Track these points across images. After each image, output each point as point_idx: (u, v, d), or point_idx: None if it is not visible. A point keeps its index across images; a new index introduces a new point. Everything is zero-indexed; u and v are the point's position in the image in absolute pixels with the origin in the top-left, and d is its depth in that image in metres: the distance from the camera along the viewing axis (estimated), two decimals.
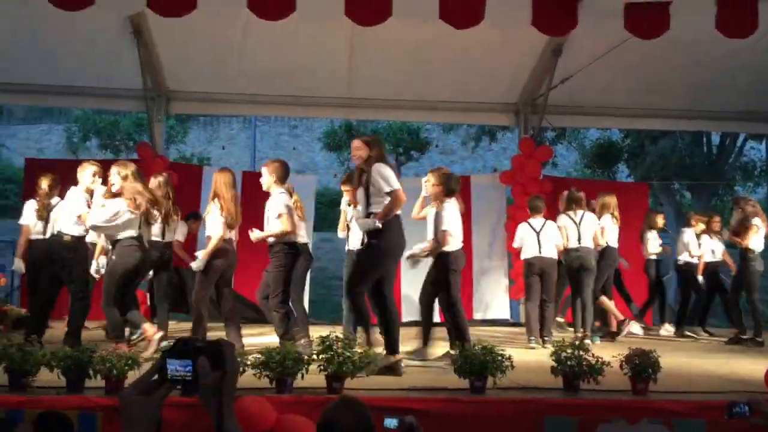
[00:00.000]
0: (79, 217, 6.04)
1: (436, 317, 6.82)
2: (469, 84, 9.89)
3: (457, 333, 6.02)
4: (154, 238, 6.72)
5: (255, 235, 6.26)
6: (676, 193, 18.20)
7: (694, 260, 8.99)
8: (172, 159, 11.01)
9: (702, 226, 9.10)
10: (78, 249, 6.12)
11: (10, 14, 8.14)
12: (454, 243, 6.30)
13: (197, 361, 1.65)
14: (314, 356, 4.46)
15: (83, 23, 8.01)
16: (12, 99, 12.24)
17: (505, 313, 10.25)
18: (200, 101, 10.48)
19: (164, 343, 5.71)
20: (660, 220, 9.46)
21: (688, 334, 8.77)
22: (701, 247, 9.00)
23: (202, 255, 6.10)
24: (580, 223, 7.73)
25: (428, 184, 6.62)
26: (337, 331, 4.68)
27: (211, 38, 8.87)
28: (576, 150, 19.54)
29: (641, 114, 10.98)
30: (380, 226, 5.22)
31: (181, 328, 7.62)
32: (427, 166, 22.97)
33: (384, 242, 5.32)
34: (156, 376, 1.67)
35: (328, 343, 4.45)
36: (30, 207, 6.92)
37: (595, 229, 7.84)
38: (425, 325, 6.39)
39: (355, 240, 6.67)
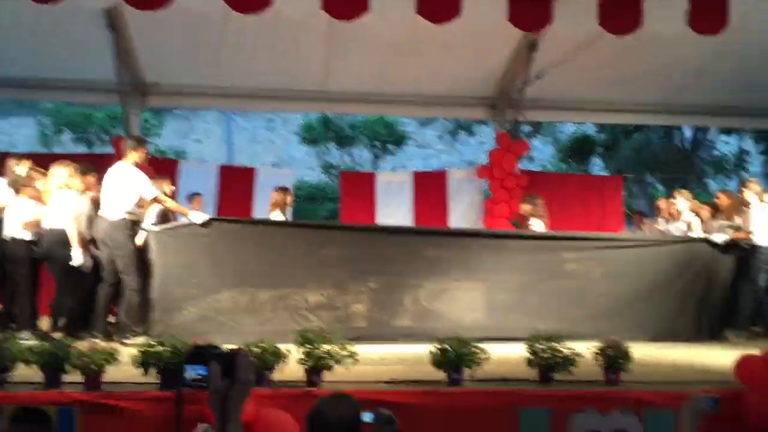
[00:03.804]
0: None
1: None
2: (445, 78, 9.95)
3: None
4: None
5: None
6: (649, 186, 18.46)
7: None
8: None
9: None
10: None
11: None
12: None
13: (210, 367, 1.73)
14: (293, 350, 4.49)
15: (57, 16, 7.95)
16: None
17: None
18: (176, 95, 10.43)
19: None
20: None
21: None
22: None
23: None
24: None
25: None
26: None
27: (188, 32, 8.83)
28: (552, 144, 19.72)
29: (616, 108, 11.13)
30: None
31: None
32: (404, 159, 23.10)
33: None
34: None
35: (307, 336, 4.49)
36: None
37: None
38: None
39: None
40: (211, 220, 6.65)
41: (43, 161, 7.28)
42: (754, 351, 4.75)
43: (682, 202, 8.74)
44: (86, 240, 6.71)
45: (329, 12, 7.21)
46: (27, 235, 6.63)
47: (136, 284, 6.46)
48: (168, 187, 7.72)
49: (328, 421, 2.49)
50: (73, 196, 6.62)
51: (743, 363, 4.58)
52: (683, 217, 8.65)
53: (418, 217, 10.44)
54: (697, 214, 8.73)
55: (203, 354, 1.81)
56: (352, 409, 2.56)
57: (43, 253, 6.59)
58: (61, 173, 6.59)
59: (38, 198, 6.68)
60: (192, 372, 1.79)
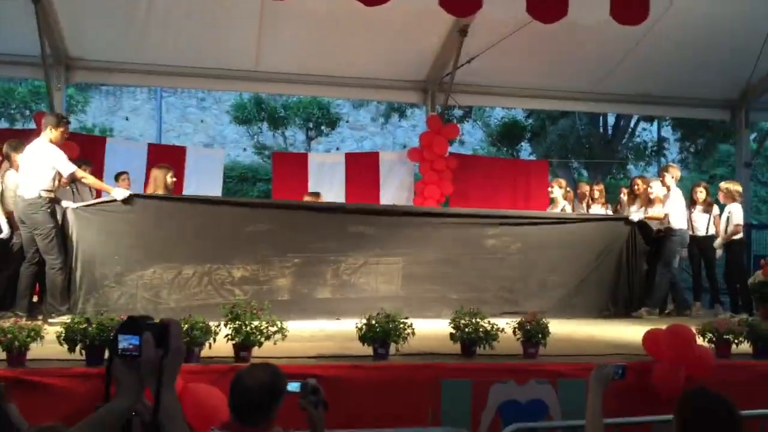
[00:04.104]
0: None
1: None
2: (378, 61, 10.02)
3: None
4: None
5: None
6: (574, 171, 19.03)
7: None
8: (71, 129, 10.60)
9: None
10: None
11: None
12: None
13: (143, 336, 1.78)
14: (222, 326, 4.53)
15: None
16: None
17: None
18: (103, 70, 10.14)
19: None
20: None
21: None
22: None
23: None
24: None
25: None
26: None
27: (114, 6, 8.64)
28: (482, 128, 20.06)
29: (542, 95, 11.43)
30: None
31: None
32: (337, 141, 23.07)
33: None
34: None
35: (236, 312, 4.53)
36: None
37: None
38: None
39: None
40: (132, 196, 6.61)
41: None
42: (662, 326, 5.07)
43: (557, 189, 9.15)
44: (11, 216, 6.56)
45: None
46: None
47: (58, 263, 6.33)
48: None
49: (246, 387, 2.58)
50: None
51: (650, 337, 4.88)
52: (559, 204, 9.08)
53: (350, 197, 10.52)
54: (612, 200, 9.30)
55: (136, 324, 1.86)
56: (272, 375, 2.65)
57: None
58: None
59: None
60: (125, 342, 1.83)
